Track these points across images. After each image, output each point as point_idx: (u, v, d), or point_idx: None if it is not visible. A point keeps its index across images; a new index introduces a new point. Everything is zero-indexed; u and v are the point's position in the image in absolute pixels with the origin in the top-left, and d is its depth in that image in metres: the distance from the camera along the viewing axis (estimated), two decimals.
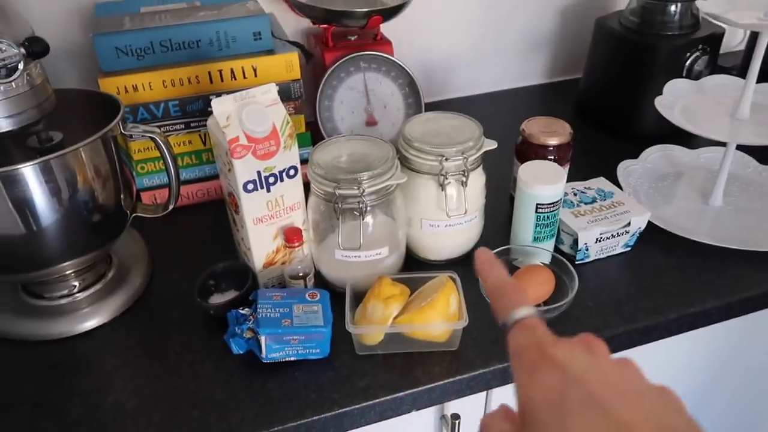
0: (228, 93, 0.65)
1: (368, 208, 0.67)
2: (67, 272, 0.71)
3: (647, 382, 0.31)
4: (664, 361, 0.84)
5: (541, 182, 0.71)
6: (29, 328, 0.70)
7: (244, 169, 0.65)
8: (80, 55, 0.96)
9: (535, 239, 0.75)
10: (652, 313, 0.71)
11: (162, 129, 0.85)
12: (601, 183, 0.84)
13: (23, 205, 0.61)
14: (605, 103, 1.10)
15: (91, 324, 0.71)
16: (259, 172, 0.66)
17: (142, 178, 0.87)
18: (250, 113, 0.64)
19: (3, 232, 0.63)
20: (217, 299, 0.72)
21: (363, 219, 0.67)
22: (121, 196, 0.70)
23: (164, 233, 0.86)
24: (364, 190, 0.65)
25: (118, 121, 0.67)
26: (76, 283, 0.73)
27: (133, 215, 0.74)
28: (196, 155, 0.89)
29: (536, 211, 0.73)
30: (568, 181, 0.85)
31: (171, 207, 0.74)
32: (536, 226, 0.74)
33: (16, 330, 0.70)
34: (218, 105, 0.64)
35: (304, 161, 0.70)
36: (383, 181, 0.67)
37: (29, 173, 0.60)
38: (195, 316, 0.72)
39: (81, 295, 0.73)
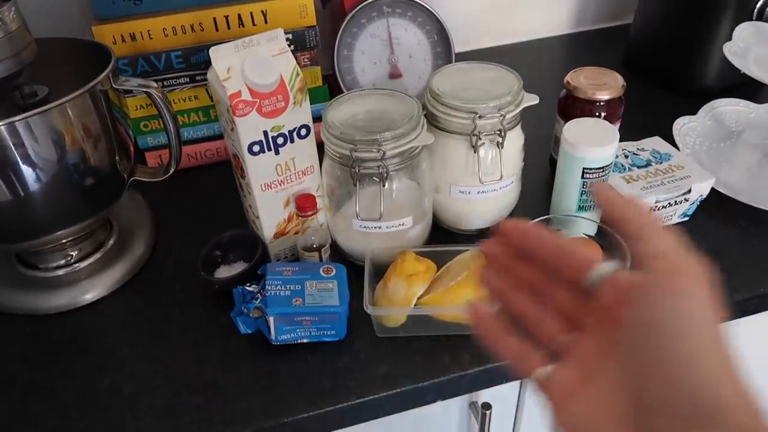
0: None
1: (390, 173, 0.59)
2: (63, 241, 0.66)
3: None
4: None
5: (590, 143, 0.62)
6: (23, 301, 0.65)
7: (249, 129, 0.57)
8: (78, 3, 0.87)
9: (580, 208, 0.66)
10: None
11: (165, 83, 0.77)
12: (656, 143, 0.74)
13: (5, 168, 0.55)
14: (659, 52, 0.97)
15: (88, 297, 0.65)
16: (265, 132, 0.58)
17: (145, 137, 0.80)
18: (254, 64, 0.55)
19: None
20: (223, 272, 0.66)
21: (384, 185, 0.59)
22: (116, 157, 0.63)
23: (170, 197, 0.79)
24: (384, 153, 0.57)
25: (108, 73, 0.59)
26: (73, 253, 0.67)
27: (132, 179, 0.67)
28: (204, 111, 0.81)
29: (582, 177, 0.63)
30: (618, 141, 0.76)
31: (172, 170, 0.67)
32: (582, 194, 0.65)
33: (8, 303, 0.65)
34: (217, 54, 0.55)
35: (319, 119, 0.62)
36: (407, 143, 0.58)
37: (9, 131, 0.54)
38: (201, 289, 0.66)
39: (78, 266, 0.67)
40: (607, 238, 0.64)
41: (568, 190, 0.66)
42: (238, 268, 0.66)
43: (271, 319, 0.56)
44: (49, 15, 0.86)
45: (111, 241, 0.70)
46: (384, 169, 0.58)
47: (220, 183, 0.79)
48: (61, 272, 0.67)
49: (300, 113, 0.59)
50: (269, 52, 0.57)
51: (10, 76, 0.56)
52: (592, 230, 0.66)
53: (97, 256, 0.69)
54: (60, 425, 0.54)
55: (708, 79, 0.92)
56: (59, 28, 0.83)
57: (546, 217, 0.66)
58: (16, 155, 0.55)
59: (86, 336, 0.62)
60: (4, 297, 0.65)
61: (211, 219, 0.74)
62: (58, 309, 0.64)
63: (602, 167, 0.63)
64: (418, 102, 0.62)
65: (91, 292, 0.66)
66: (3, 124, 0.52)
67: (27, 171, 0.56)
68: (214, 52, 0.55)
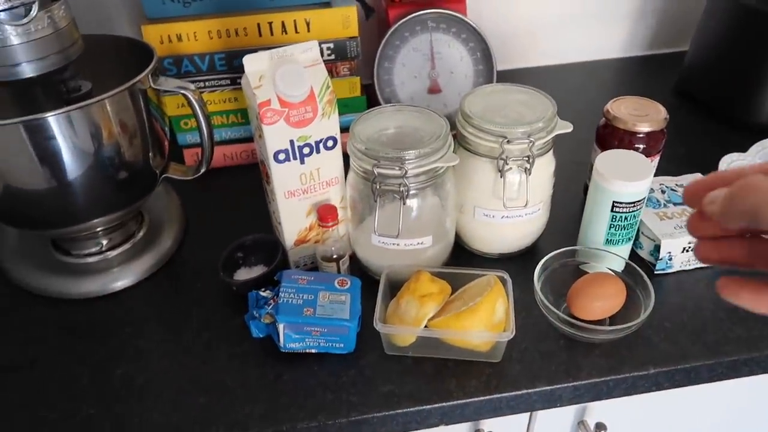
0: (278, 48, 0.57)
1: (411, 192, 0.58)
2: (96, 230, 0.68)
3: None
4: (751, 396, 0.71)
5: (622, 177, 0.60)
6: (53, 285, 0.67)
7: (276, 137, 0.58)
8: (129, 1, 0.91)
9: (608, 242, 0.64)
10: (746, 346, 0.59)
11: (207, 84, 0.79)
12: None
13: (46, 157, 0.57)
14: (714, 83, 0.93)
15: (115, 286, 0.67)
16: (292, 141, 0.59)
17: (185, 134, 0.82)
18: (286, 74, 0.56)
19: (23, 185, 0.59)
20: (243, 274, 0.67)
21: (404, 203, 0.58)
22: (150, 154, 0.65)
23: (203, 194, 0.81)
24: (406, 171, 0.56)
25: (148, 73, 0.61)
26: (104, 242, 0.70)
27: (164, 176, 0.69)
28: (242, 113, 0.83)
29: (612, 210, 0.61)
30: (656, 174, 0.73)
31: (203, 170, 0.69)
32: (610, 227, 0.63)
33: (40, 285, 0.67)
34: (251, 62, 0.56)
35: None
36: (431, 162, 0.58)
37: (51, 123, 0.56)
38: (219, 289, 0.67)
39: (109, 254, 0.70)
40: (633, 274, 0.62)
41: (596, 222, 0.64)
42: (257, 271, 0.67)
43: (280, 327, 0.57)
44: (100, 12, 0.89)
45: (141, 233, 0.73)
46: (405, 187, 0.57)
47: (252, 184, 0.80)
48: (91, 259, 0.69)
49: (328, 125, 0.60)
50: (303, 63, 0.58)
51: (57, 71, 0.59)
52: (619, 266, 0.64)
53: (127, 246, 0.71)
54: (70, 409, 0.55)
55: (763, 115, 0.87)
56: (110, 25, 0.87)
57: (571, 248, 0.65)
58: (57, 145, 0.57)
59: (107, 324, 0.64)
60: (37, 279, 0.68)
61: (240, 219, 0.75)
62: (87, 294, 0.67)
63: (633, 202, 0.61)
64: (447, 122, 0.61)
65: (118, 282, 0.68)
66: (47, 117, 0.54)
67: (66, 161, 0.58)
68: (248, 60, 0.56)
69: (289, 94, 0.56)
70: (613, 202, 0.61)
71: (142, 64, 0.63)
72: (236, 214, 0.77)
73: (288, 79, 0.56)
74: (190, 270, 0.70)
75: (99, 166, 0.61)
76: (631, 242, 0.65)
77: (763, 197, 0.29)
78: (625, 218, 0.62)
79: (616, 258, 0.64)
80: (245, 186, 0.81)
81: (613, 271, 0.63)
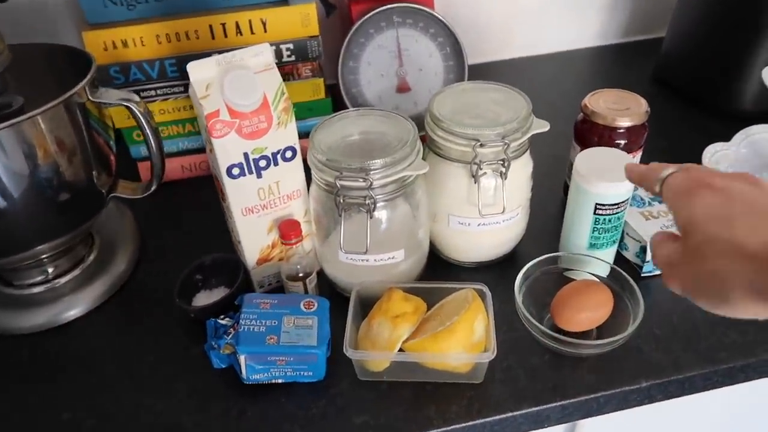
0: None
1: (378, 204, 0.54)
2: (41, 257, 0.63)
3: None
4: (747, 403, 0.68)
5: (604, 178, 0.56)
6: None
7: (227, 151, 0.53)
8: (72, 5, 0.84)
9: (591, 246, 0.60)
10: (741, 351, 0.55)
11: (158, 92, 0.74)
12: None
13: None
14: (693, 70, 0.90)
15: (64, 317, 0.62)
16: (246, 154, 0.54)
17: (138, 147, 0.77)
18: (234, 81, 0.51)
19: None
20: (203, 298, 0.62)
21: (371, 217, 0.54)
22: (94, 172, 0.60)
23: (159, 211, 0.76)
24: (372, 183, 0.52)
25: (85, 85, 0.56)
26: (50, 269, 0.64)
27: (112, 195, 0.63)
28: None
29: (595, 213, 0.57)
30: None
31: (153, 187, 0.64)
32: (593, 231, 0.59)
33: None
34: (196, 70, 0.51)
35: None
36: (399, 171, 0.53)
37: None
38: (178, 316, 0.62)
39: (57, 282, 0.64)
40: (619, 280, 0.58)
41: (578, 225, 0.60)
42: (218, 294, 0.62)
43: (242, 358, 0.52)
44: (38, 19, 0.83)
45: (91, 257, 0.67)
46: (371, 200, 0.53)
47: (213, 198, 0.74)
48: (36, 290, 0.64)
49: (285, 134, 0.55)
50: (253, 69, 0.53)
51: None
52: (603, 271, 0.60)
53: (76, 272, 0.65)
54: None
55: (745, 102, 0.84)
56: (50, 32, 0.80)
57: (553, 254, 0.60)
58: None
59: (54, 360, 0.59)
60: None
61: (201, 237, 0.70)
62: (32, 329, 0.61)
63: (616, 203, 0.57)
64: (415, 126, 0.56)
65: (67, 312, 0.63)
66: None
67: None
68: (192, 67, 0.51)
69: (240, 103, 0.51)
70: (596, 204, 0.57)
71: (81, 74, 0.57)
72: (197, 231, 0.72)
73: (237, 87, 0.51)
74: (147, 295, 0.65)
75: (36, 188, 0.55)
76: (616, 245, 0.62)
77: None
78: (609, 220, 0.58)
79: (601, 263, 0.60)
80: (206, 199, 0.76)
81: (598, 277, 0.60)
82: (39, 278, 0.64)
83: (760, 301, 0.32)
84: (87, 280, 0.65)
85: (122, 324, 0.62)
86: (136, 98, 0.59)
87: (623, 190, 0.56)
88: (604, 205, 0.57)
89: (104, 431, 0.52)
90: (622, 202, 0.57)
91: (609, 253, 0.61)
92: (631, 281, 0.57)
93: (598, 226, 0.58)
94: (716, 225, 0.34)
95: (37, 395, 0.55)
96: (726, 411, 0.69)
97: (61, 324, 0.62)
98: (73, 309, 0.63)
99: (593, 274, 0.60)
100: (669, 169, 0.40)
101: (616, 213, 0.58)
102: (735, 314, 0.35)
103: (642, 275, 0.63)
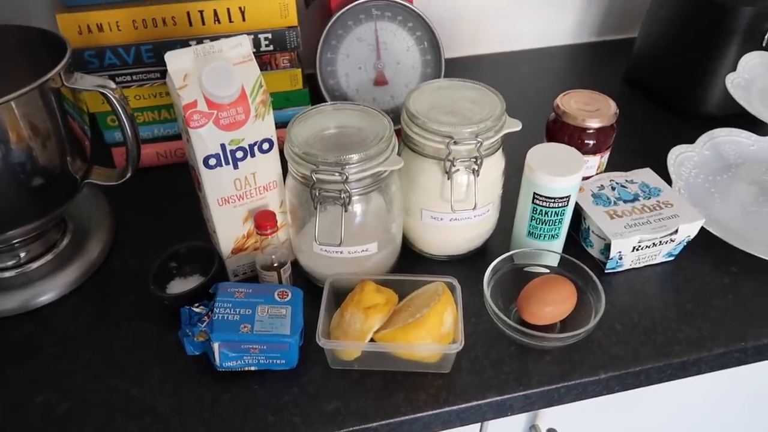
0: (211, 40, 0.52)
1: (353, 198, 0.55)
2: (12, 242, 0.62)
3: None
4: (699, 394, 0.72)
5: (546, 170, 0.57)
6: None
7: (205, 142, 0.53)
8: None
9: (530, 234, 0.62)
10: (694, 346, 0.58)
11: (134, 77, 0.73)
12: (646, 176, 0.70)
13: None
14: (662, 72, 0.93)
15: (36, 302, 0.62)
16: (223, 146, 0.54)
17: (112, 132, 0.76)
18: (212, 73, 0.51)
19: None
20: (177, 285, 0.62)
21: (345, 211, 0.55)
22: (68, 158, 0.60)
23: (134, 197, 0.76)
24: (347, 177, 0.53)
25: (60, 70, 0.55)
26: (22, 254, 0.64)
27: (86, 181, 0.63)
28: None
29: (533, 202, 0.60)
30: (607, 169, 0.72)
31: (128, 174, 0.64)
32: (531, 219, 0.61)
33: None
34: (174, 59, 0.51)
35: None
36: (374, 166, 0.54)
37: None
38: (152, 302, 0.62)
39: (28, 268, 0.64)
40: (583, 275, 0.60)
41: (521, 214, 0.62)
42: (193, 282, 0.62)
43: (215, 346, 0.53)
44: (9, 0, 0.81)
45: (64, 242, 0.67)
46: (347, 194, 0.54)
47: (189, 185, 0.74)
48: (8, 274, 0.64)
49: (262, 127, 0.55)
50: (232, 60, 0.53)
51: None
52: (553, 261, 0.62)
53: (49, 257, 0.65)
54: None
55: (710, 106, 0.87)
56: (23, 14, 0.79)
57: (509, 254, 0.62)
58: None
59: (27, 345, 0.59)
60: None
61: (176, 224, 0.70)
62: (4, 313, 0.61)
63: (554, 198, 0.58)
64: (391, 121, 0.57)
65: (40, 297, 0.62)
66: None
67: None
68: (170, 57, 0.51)
69: (218, 95, 0.52)
70: (534, 193, 0.59)
71: (57, 58, 0.57)
72: (172, 218, 0.72)
73: (216, 79, 0.52)
74: (121, 281, 0.65)
75: (8, 173, 0.55)
76: (558, 240, 0.63)
77: None
78: (547, 213, 0.60)
79: (551, 254, 0.62)
80: (182, 187, 0.76)
81: (561, 273, 0.62)
82: (10, 263, 0.64)
83: None
84: (60, 266, 0.65)
85: (96, 309, 0.62)
86: (112, 85, 0.59)
87: (563, 185, 0.58)
88: (541, 196, 0.59)
89: (78, 414, 0.52)
90: (562, 198, 0.59)
91: (552, 245, 0.63)
92: (594, 277, 0.59)
93: (536, 216, 0.60)
94: None
95: (8, 378, 0.55)
96: (679, 403, 0.72)
97: (34, 309, 0.62)
98: (46, 294, 0.63)
99: (544, 265, 0.62)
100: None
101: (554, 207, 0.59)
102: None
103: (605, 272, 0.65)
